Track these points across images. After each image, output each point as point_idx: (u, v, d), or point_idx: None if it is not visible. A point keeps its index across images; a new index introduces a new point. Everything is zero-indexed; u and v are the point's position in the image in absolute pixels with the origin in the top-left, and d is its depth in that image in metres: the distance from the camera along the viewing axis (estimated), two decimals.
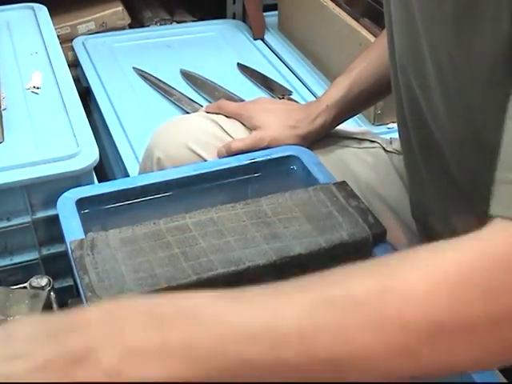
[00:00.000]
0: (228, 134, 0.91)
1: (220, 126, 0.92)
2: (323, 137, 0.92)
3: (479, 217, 0.46)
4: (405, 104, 0.72)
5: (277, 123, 0.90)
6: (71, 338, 0.41)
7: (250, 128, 0.91)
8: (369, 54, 0.91)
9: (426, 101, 0.67)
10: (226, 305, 0.42)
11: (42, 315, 0.46)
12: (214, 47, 1.67)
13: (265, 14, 1.76)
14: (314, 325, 0.41)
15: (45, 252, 0.99)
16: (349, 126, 0.97)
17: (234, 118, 0.93)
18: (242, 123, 0.92)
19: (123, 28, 1.75)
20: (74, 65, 1.59)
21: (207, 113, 0.95)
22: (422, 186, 0.77)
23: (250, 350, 0.40)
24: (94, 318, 0.42)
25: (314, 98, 1.38)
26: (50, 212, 0.94)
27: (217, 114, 0.94)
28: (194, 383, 0.40)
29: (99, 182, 1.02)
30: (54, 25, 1.33)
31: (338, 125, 0.92)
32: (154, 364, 0.40)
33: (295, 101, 1.39)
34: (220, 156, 0.90)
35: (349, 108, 0.90)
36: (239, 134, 0.91)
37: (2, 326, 0.43)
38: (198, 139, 0.90)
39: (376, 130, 1.24)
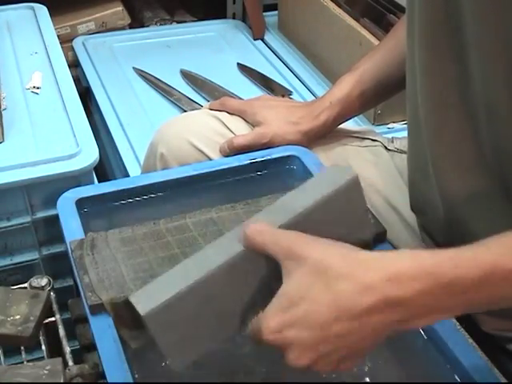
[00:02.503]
0: (230, 130, 0.92)
1: (222, 122, 0.92)
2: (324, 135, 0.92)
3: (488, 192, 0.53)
4: (420, 89, 0.71)
5: (279, 119, 0.90)
6: (340, 284, 0.54)
7: (253, 124, 0.91)
8: (374, 54, 0.91)
9: (460, 64, 0.65)
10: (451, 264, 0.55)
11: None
12: (214, 47, 1.67)
13: (265, 13, 1.76)
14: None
15: (45, 252, 0.99)
16: (350, 125, 0.97)
17: (237, 115, 0.93)
18: (245, 120, 0.92)
19: (123, 28, 1.75)
20: (74, 65, 1.59)
21: (210, 110, 0.95)
22: (424, 177, 0.76)
23: (473, 295, 0.54)
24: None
25: (314, 98, 1.38)
26: (50, 212, 0.94)
27: (220, 111, 0.94)
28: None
29: (99, 182, 1.02)
30: (54, 25, 1.33)
31: (340, 123, 0.92)
32: (405, 285, 0.53)
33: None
34: (222, 152, 0.90)
35: (352, 106, 0.90)
36: (241, 131, 0.91)
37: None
38: (200, 136, 0.91)
39: (376, 130, 1.23)
